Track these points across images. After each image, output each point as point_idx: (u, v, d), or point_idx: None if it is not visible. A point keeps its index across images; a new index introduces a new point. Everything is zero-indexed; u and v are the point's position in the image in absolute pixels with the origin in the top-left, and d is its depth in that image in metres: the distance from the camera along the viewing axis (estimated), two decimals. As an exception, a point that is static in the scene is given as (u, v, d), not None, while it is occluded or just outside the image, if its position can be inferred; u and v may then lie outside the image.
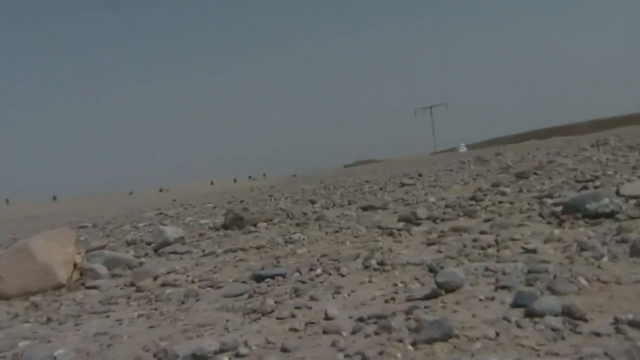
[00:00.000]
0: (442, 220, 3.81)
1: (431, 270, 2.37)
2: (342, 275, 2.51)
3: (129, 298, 2.56)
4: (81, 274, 2.79)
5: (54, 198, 37.48)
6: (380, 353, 1.49)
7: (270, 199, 8.00)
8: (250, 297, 2.33)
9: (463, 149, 32.84)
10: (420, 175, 8.90)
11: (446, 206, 4.44)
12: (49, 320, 2.28)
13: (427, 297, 1.96)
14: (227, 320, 2.00)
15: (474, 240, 2.94)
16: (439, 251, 2.83)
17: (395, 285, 2.24)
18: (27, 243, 2.75)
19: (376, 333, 1.66)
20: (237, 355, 1.61)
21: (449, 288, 1.99)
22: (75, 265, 2.80)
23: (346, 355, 1.51)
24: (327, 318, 1.86)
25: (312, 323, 1.84)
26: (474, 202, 4.50)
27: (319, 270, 2.65)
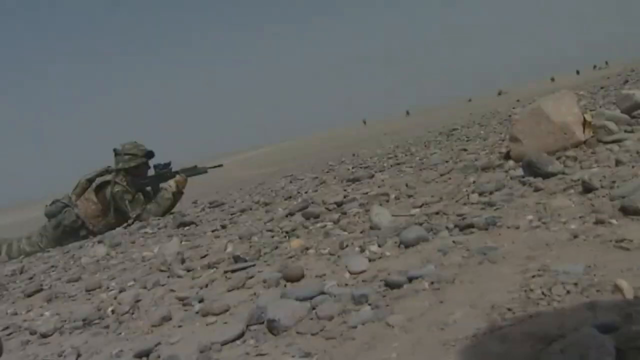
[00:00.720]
0: None
1: None
2: None
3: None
4: (593, 132, 2.82)
5: (407, 113, 39.57)
6: None
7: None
8: None
9: None
10: None
11: None
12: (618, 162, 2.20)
13: None
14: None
15: None
16: None
17: None
18: (539, 106, 2.86)
19: None
20: None
21: None
22: (586, 123, 2.84)
23: None
24: None
25: None
26: None
27: None
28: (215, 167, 5.83)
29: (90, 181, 5.21)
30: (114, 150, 5.23)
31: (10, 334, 1.97)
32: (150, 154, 5.34)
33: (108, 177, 5.16)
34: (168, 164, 5.46)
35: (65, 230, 5.04)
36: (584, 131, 2.78)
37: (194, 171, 5.49)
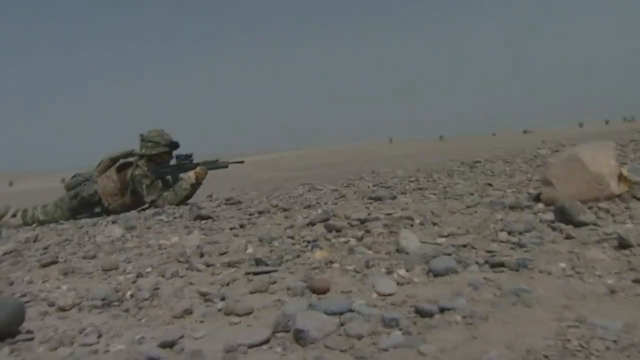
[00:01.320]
0: None
1: None
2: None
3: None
4: (628, 187, 2.79)
5: (441, 138, 41.41)
6: None
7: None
8: None
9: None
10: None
11: None
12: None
13: None
14: None
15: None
16: None
17: None
18: (577, 152, 2.83)
19: None
20: None
21: None
22: (622, 177, 2.81)
23: None
24: None
25: None
26: None
27: None
28: (236, 162, 5.85)
29: (113, 160, 5.27)
30: (140, 135, 5.28)
31: (28, 302, 1.98)
32: (173, 145, 5.38)
33: (131, 159, 5.21)
34: (189, 155, 5.49)
35: (82, 201, 5.09)
36: (618, 185, 2.77)
37: (215, 165, 5.51)
